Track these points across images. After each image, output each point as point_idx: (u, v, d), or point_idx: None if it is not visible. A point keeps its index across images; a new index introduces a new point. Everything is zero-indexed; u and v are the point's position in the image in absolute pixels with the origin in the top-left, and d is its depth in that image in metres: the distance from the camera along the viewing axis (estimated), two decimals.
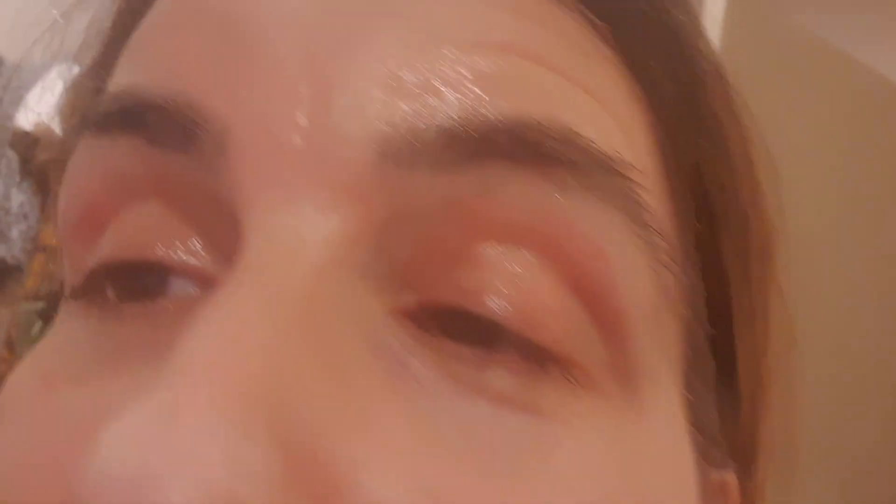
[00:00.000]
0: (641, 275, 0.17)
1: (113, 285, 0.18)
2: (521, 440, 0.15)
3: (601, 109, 0.18)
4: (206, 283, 0.17)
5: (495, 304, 0.16)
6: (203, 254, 0.17)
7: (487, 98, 0.16)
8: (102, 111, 0.18)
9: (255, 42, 0.17)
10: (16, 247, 1.42)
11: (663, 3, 0.20)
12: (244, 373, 0.13)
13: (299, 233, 0.15)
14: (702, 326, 0.20)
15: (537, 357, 0.16)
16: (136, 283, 0.17)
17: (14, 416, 0.17)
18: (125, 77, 0.19)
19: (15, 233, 1.42)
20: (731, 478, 0.22)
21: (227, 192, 0.16)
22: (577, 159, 0.16)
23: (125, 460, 0.12)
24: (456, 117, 0.16)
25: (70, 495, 0.13)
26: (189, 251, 0.17)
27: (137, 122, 0.17)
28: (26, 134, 1.24)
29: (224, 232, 0.16)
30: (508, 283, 0.16)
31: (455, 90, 0.16)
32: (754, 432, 0.23)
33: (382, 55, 0.16)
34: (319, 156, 0.16)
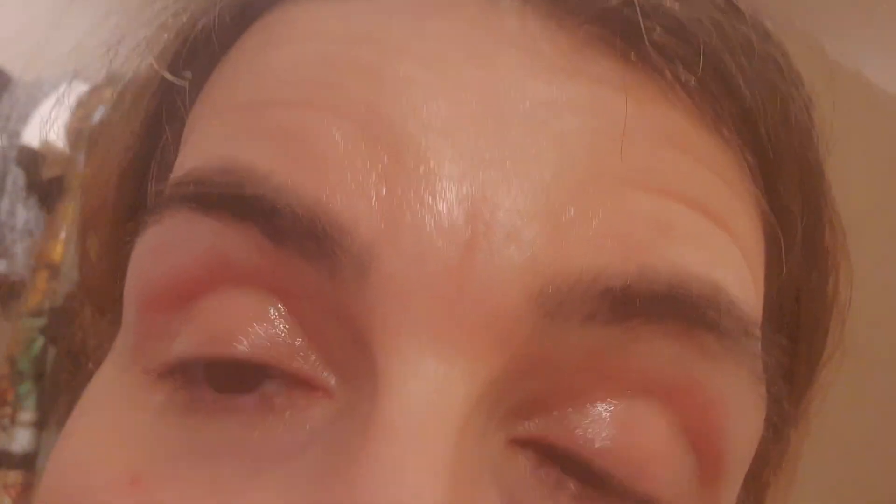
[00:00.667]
0: (754, 429, 0.18)
1: (209, 377, 0.17)
2: None
3: (742, 259, 0.18)
4: (303, 384, 0.16)
5: (604, 452, 0.16)
6: (307, 353, 0.16)
7: (649, 255, 0.16)
8: (211, 191, 0.16)
9: (410, 160, 0.16)
10: (19, 263, 1.42)
11: (810, 138, 0.20)
12: None
13: (444, 381, 0.15)
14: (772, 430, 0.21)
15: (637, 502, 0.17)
16: (230, 375, 0.16)
17: None
18: (237, 149, 0.17)
19: (19, 249, 1.42)
20: None
21: (360, 316, 0.15)
22: (724, 325, 0.17)
23: None
24: (622, 279, 0.15)
25: None
26: (291, 350, 0.16)
27: (258, 217, 0.16)
28: (33, 151, 1.25)
29: (343, 344, 0.16)
30: (620, 432, 0.16)
31: (619, 244, 0.16)
32: (765, 491, 0.24)
33: (546, 194, 0.16)
34: (473, 302, 0.15)
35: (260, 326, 0.16)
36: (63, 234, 1.04)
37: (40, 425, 1.00)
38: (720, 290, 0.17)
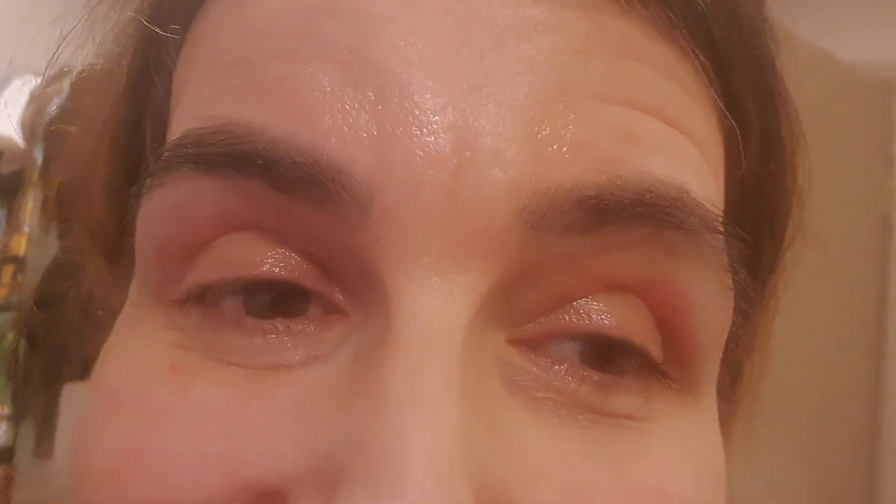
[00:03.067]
0: (721, 313, 0.19)
1: (227, 296, 0.18)
2: (625, 437, 0.18)
3: (704, 161, 0.19)
4: (327, 306, 0.18)
5: (600, 324, 0.18)
6: (322, 280, 0.18)
7: (619, 165, 0.17)
8: (213, 151, 0.17)
9: (396, 97, 0.17)
10: None
11: (762, 36, 0.22)
12: (446, 460, 0.15)
13: (448, 293, 0.16)
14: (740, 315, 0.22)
15: (636, 373, 0.19)
16: (250, 297, 0.18)
17: (143, 403, 0.18)
18: (231, 106, 0.18)
19: None
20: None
21: (367, 247, 0.17)
22: (690, 224, 0.18)
23: None
24: (595, 189, 0.17)
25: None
26: (307, 275, 0.18)
27: (261, 170, 0.17)
28: None
29: (354, 273, 0.17)
30: (611, 311, 0.18)
31: (590, 157, 0.17)
32: (742, 366, 0.27)
33: (523, 115, 0.17)
34: (465, 222, 0.16)
35: (273, 256, 0.18)
36: (27, 228, 1.03)
37: (15, 419, 1.00)
38: (684, 192, 0.18)
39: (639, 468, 0.18)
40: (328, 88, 0.17)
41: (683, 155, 0.19)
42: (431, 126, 0.16)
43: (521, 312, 0.18)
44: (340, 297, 0.18)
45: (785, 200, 0.24)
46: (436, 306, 0.16)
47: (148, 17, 0.22)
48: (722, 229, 0.19)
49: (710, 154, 0.20)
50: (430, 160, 0.16)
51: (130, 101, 0.24)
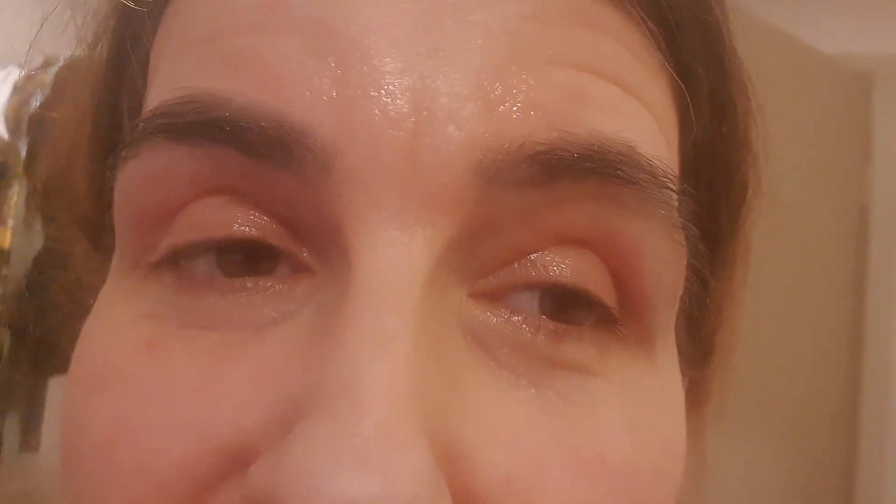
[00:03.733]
0: (671, 268, 0.20)
1: (197, 259, 0.19)
2: (577, 396, 0.19)
3: (654, 123, 0.20)
4: (295, 265, 0.19)
5: (560, 276, 0.19)
6: (289, 239, 0.19)
7: (568, 122, 0.18)
8: (183, 120, 0.18)
9: (356, 62, 0.17)
10: None
11: (709, 3, 0.22)
12: (400, 389, 0.16)
13: (407, 246, 0.17)
14: (696, 270, 0.23)
15: (592, 326, 0.19)
16: (222, 258, 0.19)
17: (122, 378, 0.19)
18: (197, 77, 0.18)
19: None
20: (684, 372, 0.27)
21: (330, 204, 0.18)
22: (638, 179, 0.19)
23: (333, 487, 0.15)
24: (546, 145, 0.18)
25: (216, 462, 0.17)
26: (274, 235, 0.19)
27: (230, 136, 0.18)
28: None
29: (319, 231, 0.18)
30: (566, 264, 0.19)
31: (542, 116, 0.18)
32: (712, 338, 0.28)
33: (477, 76, 0.18)
34: (423, 178, 0.17)
35: (242, 218, 0.19)
36: (11, 221, 1.02)
37: (1, 412, 1.00)
38: (632, 150, 0.19)
39: (583, 435, 0.18)
40: (291, 57, 0.18)
41: (633, 116, 0.19)
42: (390, 88, 0.17)
43: (481, 266, 0.19)
44: (307, 256, 0.19)
45: (739, 163, 0.25)
46: (395, 257, 0.17)
47: None
48: (671, 186, 0.19)
49: (662, 117, 0.21)
50: (388, 120, 0.17)
51: (109, 81, 0.24)
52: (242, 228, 0.19)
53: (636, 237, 0.19)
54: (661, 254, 0.20)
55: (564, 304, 0.19)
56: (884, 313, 1.59)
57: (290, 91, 0.17)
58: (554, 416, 0.18)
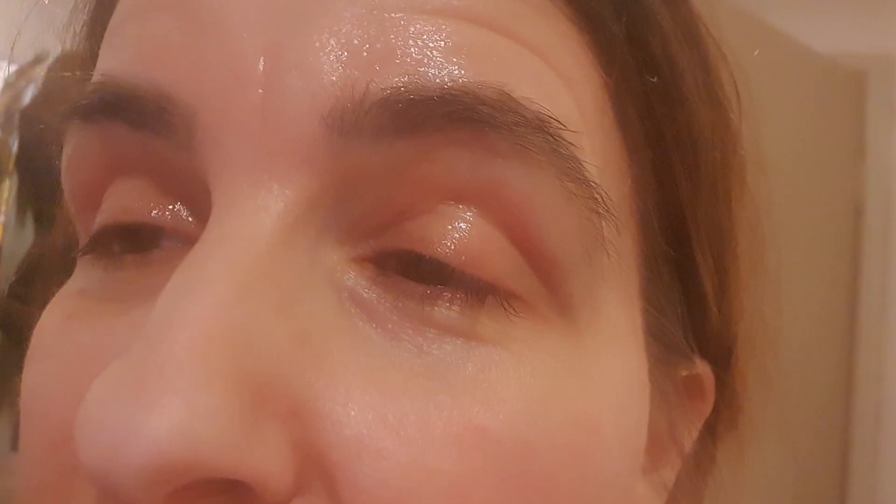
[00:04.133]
0: (570, 222, 0.19)
1: (116, 242, 0.20)
2: (461, 361, 0.18)
3: (543, 66, 0.19)
4: (189, 239, 0.19)
5: (441, 248, 0.18)
6: (185, 215, 0.19)
7: (424, 67, 0.17)
8: (87, 101, 0.19)
9: (216, 27, 0.18)
10: None
11: None
12: (202, 329, 0.15)
13: (259, 202, 0.17)
14: (658, 246, 0.22)
15: (478, 291, 0.18)
16: (133, 241, 0.20)
17: (42, 348, 0.20)
18: (103, 63, 0.20)
19: None
20: (704, 374, 0.25)
21: (199, 168, 0.18)
22: (509, 123, 0.17)
23: (103, 413, 0.15)
24: (393, 88, 0.17)
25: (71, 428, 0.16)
26: (174, 214, 0.19)
27: (118, 111, 0.19)
28: None
29: (201, 199, 0.18)
30: (453, 230, 0.18)
31: (394, 60, 0.17)
32: (727, 331, 0.25)
33: (330, 28, 0.18)
34: (274, 132, 0.17)
35: (140, 196, 0.20)
36: (2, 218, 1.01)
37: None
38: (501, 92, 0.17)
39: (463, 404, 0.17)
40: (161, 32, 0.19)
41: (508, 58, 0.18)
42: (241, 47, 0.18)
43: (357, 228, 0.18)
44: (195, 225, 0.19)
45: (684, 113, 0.22)
46: (243, 212, 0.17)
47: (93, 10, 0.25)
48: (552, 130, 0.18)
49: (560, 63, 0.19)
50: (238, 78, 0.17)
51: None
52: (142, 209, 0.19)
53: (519, 188, 0.18)
54: (553, 207, 0.18)
55: (444, 272, 0.18)
56: (877, 312, 1.59)
57: (158, 62, 0.18)
58: (432, 381, 0.17)
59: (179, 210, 0.19)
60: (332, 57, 0.17)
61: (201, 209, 0.18)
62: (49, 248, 0.30)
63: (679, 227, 0.23)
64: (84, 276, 0.21)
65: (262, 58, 0.18)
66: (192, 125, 0.18)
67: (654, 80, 0.21)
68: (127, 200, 0.20)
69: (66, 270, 0.29)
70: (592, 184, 0.19)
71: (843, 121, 1.50)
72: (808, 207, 1.24)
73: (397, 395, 0.17)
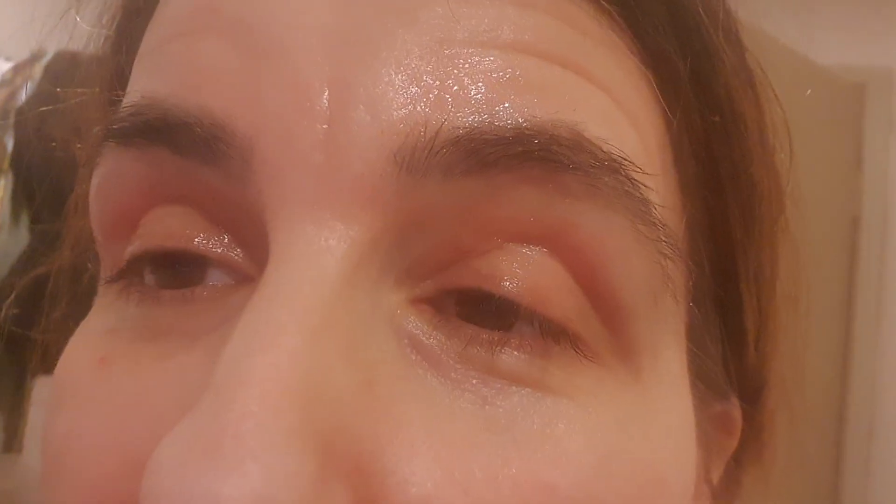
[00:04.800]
0: (639, 266, 0.18)
1: (154, 271, 0.19)
2: (528, 414, 0.17)
3: (611, 104, 0.18)
4: (236, 275, 0.18)
5: (509, 285, 0.17)
6: (232, 247, 0.18)
7: (497, 105, 0.17)
8: (127, 124, 0.18)
9: (276, 54, 0.17)
10: None
11: None
12: (276, 383, 0.14)
13: (323, 242, 0.16)
14: (706, 286, 0.21)
15: (548, 333, 0.17)
16: (172, 271, 0.19)
17: (75, 394, 0.19)
18: (143, 85, 0.19)
19: None
20: (734, 410, 0.24)
21: (254, 201, 0.17)
22: (583, 163, 0.17)
23: (179, 480, 0.14)
24: (467, 128, 0.16)
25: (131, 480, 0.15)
26: (221, 244, 0.18)
27: (163, 136, 0.18)
28: None
29: (252, 233, 0.17)
30: (520, 267, 0.17)
31: (466, 98, 0.17)
32: (761, 369, 0.25)
33: (398, 63, 0.17)
34: (339, 169, 0.16)
35: (189, 227, 0.18)
36: None
37: None
38: (573, 131, 0.17)
39: (531, 460, 0.16)
40: (214, 56, 0.18)
41: (579, 97, 0.18)
42: (304, 78, 0.17)
43: (418, 267, 0.17)
44: (246, 262, 0.18)
45: (743, 159, 0.22)
46: (307, 253, 0.16)
47: (115, 34, 0.24)
48: (627, 172, 0.17)
49: (626, 100, 0.19)
50: (301, 110, 0.17)
51: (113, 105, 0.24)
52: (188, 239, 0.18)
53: (591, 230, 0.17)
54: (623, 249, 0.18)
55: (510, 314, 0.17)
56: (872, 323, 1.60)
57: (212, 88, 0.18)
58: (498, 436, 0.16)
59: (225, 242, 0.18)
60: (401, 93, 0.17)
61: (252, 242, 0.18)
62: (56, 269, 0.30)
63: (728, 266, 0.22)
64: (113, 312, 0.20)
65: (326, 90, 0.17)
66: (248, 157, 0.17)
67: (717, 119, 0.21)
68: (169, 228, 0.19)
69: (75, 294, 0.28)
70: (661, 226, 0.18)
71: (841, 132, 1.50)
72: (804, 218, 1.24)
73: (463, 451, 0.16)
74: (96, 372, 0.18)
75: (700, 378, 0.22)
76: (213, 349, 0.16)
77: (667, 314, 0.19)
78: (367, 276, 0.17)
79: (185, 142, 0.17)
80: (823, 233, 1.43)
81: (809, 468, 1.41)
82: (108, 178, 0.19)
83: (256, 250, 0.17)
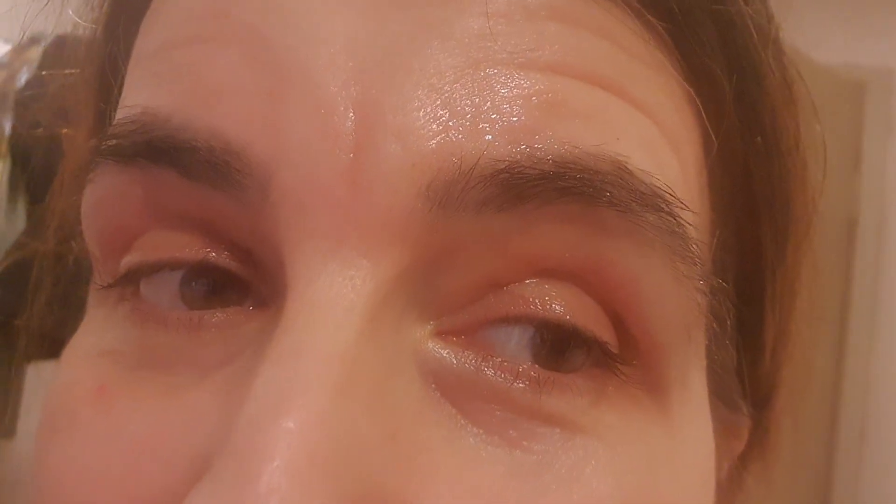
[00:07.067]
0: (676, 304, 0.17)
1: (152, 284, 0.18)
2: (557, 456, 0.16)
3: (655, 130, 0.17)
4: (246, 292, 0.17)
5: (558, 308, 0.16)
6: (242, 271, 0.17)
7: (537, 134, 0.16)
8: (126, 142, 0.17)
9: (295, 75, 0.16)
10: None
11: None
12: (302, 447, 0.14)
13: (347, 282, 0.15)
14: (729, 303, 0.21)
15: (604, 360, 0.17)
16: (176, 287, 0.18)
17: (72, 424, 0.18)
18: (144, 96, 0.17)
19: None
20: (742, 418, 0.24)
21: (271, 232, 0.16)
22: (624, 200, 0.16)
23: None
24: (506, 161, 0.15)
25: None
26: (227, 263, 0.17)
27: (168, 158, 0.16)
28: None
29: (267, 259, 0.16)
30: (550, 300, 0.17)
31: (503, 125, 0.16)
32: (773, 376, 0.25)
33: (430, 85, 0.16)
34: (365, 204, 0.15)
35: (193, 248, 0.17)
36: None
37: None
38: (617, 165, 0.16)
39: (563, 500, 0.16)
40: (227, 70, 0.16)
41: (623, 123, 0.17)
42: (328, 102, 0.16)
43: (447, 300, 0.16)
44: (262, 288, 0.17)
45: (780, 179, 0.21)
46: (331, 292, 0.15)
47: (105, 24, 0.22)
48: (669, 208, 0.17)
49: (670, 124, 0.18)
50: (326, 137, 0.15)
51: (98, 103, 0.23)
52: (194, 254, 0.17)
53: (628, 268, 0.16)
54: (660, 288, 0.17)
55: (552, 345, 0.16)
56: (867, 325, 1.60)
57: (224, 107, 0.16)
58: (527, 482, 0.16)
59: (233, 265, 0.17)
60: (433, 119, 0.15)
61: (266, 267, 0.17)
62: (40, 253, 0.29)
63: (755, 286, 0.22)
64: (111, 329, 0.18)
65: (352, 115, 0.15)
66: (266, 187, 0.16)
67: (758, 139, 0.20)
68: (173, 245, 0.17)
69: (60, 278, 0.28)
70: (700, 263, 0.17)
71: (840, 132, 1.50)
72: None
73: (490, 500, 0.15)
74: (95, 403, 0.17)
75: (717, 395, 0.21)
76: (226, 387, 0.16)
77: (697, 346, 0.19)
78: (390, 312, 0.16)
79: (193, 165, 0.16)
80: (819, 234, 1.43)
81: (801, 468, 1.41)
82: (106, 197, 0.18)
83: (270, 276, 0.17)
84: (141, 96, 0.18)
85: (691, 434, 0.19)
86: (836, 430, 1.58)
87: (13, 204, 0.97)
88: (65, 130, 0.25)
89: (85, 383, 0.18)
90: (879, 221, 1.61)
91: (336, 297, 0.15)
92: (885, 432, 1.60)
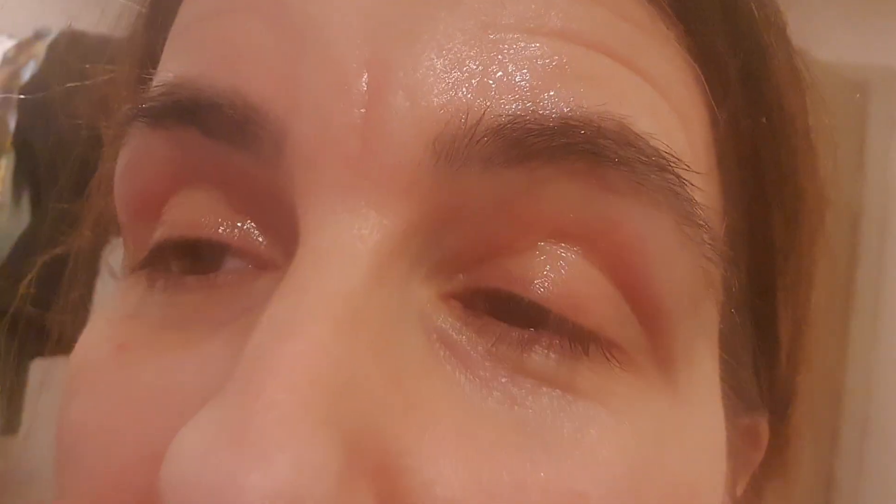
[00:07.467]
0: (683, 269, 0.17)
1: (176, 259, 0.18)
2: (558, 417, 0.16)
3: (660, 98, 0.18)
4: (259, 261, 0.18)
5: (541, 289, 0.17)
6: (257, 234, 0.18)
7: (542, 93, 0.16)
8: (157, 104, 0.18)
9: (313, 35, 0.17)
10: None
11: None
12: (304, 371, 0.14)
13: (355, 231, 0.16)
14: (743, 294, 0.21)
15: (579, 339, 0.17)
16: (196, 258, 0.18)
17: (92, 380, 0.18)
18: (175, 65, 0.19)
19: None
20: (762, 422, 0.24)
21: (285, 187, 0.16)
22: (629, 159, 0.16)
23: (202, 468, 0.13)
24: (510, 116, 0.16)
25: (148, 482, 0.15)
26: (243, 232, 0.18)
27: (193, 117, 0.17)
28: None
29: (280, 219, 0.17)
30: (553, 271, 0.17)
31: (510, 85, 0.16)
32: (791, 381, 0.25)
33: (440, 46, 0.16)
34: (375, 157, 0.16)
35: (211, 213, 0.18)
36: None
37: None
38: (621, 125, 0.16)
39: (562, 467, 0.16)
40: (249, 36, 0.17)
41: (627, 89, 0.17)
42: (342, 62, 0.16)
43: (450, 262, 0.17)
44: (272, 250, 0.18)
45: (789, 163, 0.21)
46: (339, 240, 0.16)
47: (149, 8, 0.23)
48: (674, 168, 0.17)
49: (675, 95, 0.18)
50: (338, 94, 0.16)
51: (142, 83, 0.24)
52: (211, 226, 0.18)
53: (634, 229, 0.17)
54: (667, 252, 0.17)
55: (540, 316, 0.17)
56: (870, 322, 1.60)
57: (246, 69, 0.17)
58: (528, 439, 0.16)
59: (249, 228, 0.18)
60: (442, 77, 0.16)
61: (278, 228, 0.17)
62: (75, 250, 0.29)
63: (767, 276, 0.22)
64: (136, 297, 0.19)
65: (364, 73, 0.16)
66: (281, 141, 0.16)
67: (764, 121, 0.20)
68: (193, 214, 0.18)
69: (93, 276, 0.28)
70: (707, 228, 0.18)
71: (843, 130, 1.50)
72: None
73: (491, 454, 0.15)
74: (115, 358, 0.18)
75: (732, 388, 0.21)
76: (236, 338, 0.16)
77: (705, 321, 0.19)
78: (398, 268, 0.16)
79: (215, 123, 0.17)
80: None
81: (803, 465, 1.41)
82: (136, 158, 0.19)
83: (282, 236, 0.17)
84: (173, 66, 0.19)
85: (700, 412, 0.19)
86: (839, 426, 1.58)
87: (17, 199, 0.97)
88: (105, 125, 0.25)
89: (106, 342, 0.19)
90: (883, 218, 1.61)
91: (344, 244, 0.16)
92: (888, 428, 1.60)
